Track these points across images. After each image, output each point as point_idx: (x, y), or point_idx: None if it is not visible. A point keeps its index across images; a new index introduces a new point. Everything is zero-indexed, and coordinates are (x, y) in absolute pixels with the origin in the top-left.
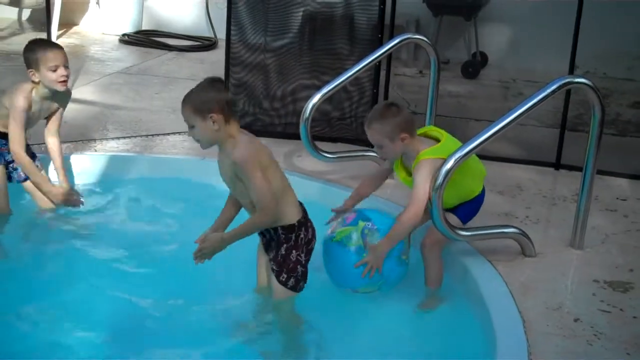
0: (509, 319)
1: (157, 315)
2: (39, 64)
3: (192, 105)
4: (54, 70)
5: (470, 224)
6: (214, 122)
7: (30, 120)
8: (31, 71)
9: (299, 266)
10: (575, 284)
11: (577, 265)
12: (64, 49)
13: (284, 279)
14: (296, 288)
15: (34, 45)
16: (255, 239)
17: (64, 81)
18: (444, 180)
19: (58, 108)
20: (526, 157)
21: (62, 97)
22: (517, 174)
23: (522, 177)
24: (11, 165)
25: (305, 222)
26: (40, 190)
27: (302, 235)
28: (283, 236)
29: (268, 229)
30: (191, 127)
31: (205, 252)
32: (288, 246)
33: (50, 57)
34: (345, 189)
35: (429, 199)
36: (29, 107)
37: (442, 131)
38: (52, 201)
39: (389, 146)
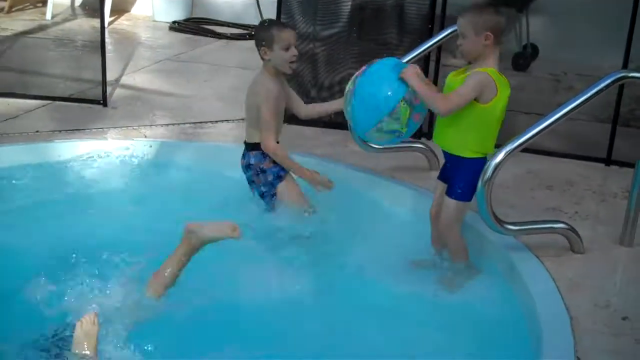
0: (555, 315)
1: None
2: (272, 42)
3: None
4: (287, 49)
5: (518, 218)
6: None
7: (278, 108)
8: (263, 49)
9: None
10: (625, 282)
11: (626, 263)
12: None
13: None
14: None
15: (269, 25)
16: None
17: (294, 62)
18: (492, 173)
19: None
20: (576, 152)
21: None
22: (566, 168)
23: (572, 172)
24: (253, 181)
25: None
26: (304, 177)
27: None
28: None
29: None
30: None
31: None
32: None
33: (284, 37)
34: (392, 180)
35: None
36: (278, 91)
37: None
38: (313, 185)
39: (471, 39)
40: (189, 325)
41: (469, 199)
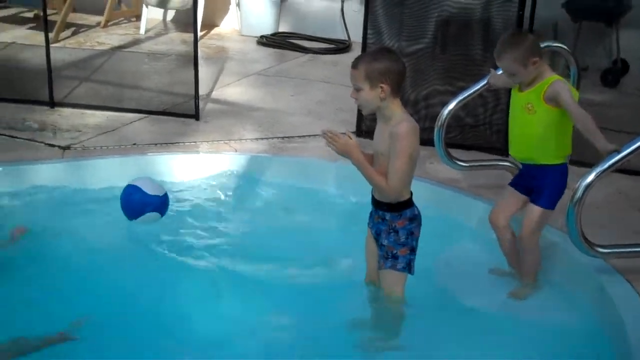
0: None
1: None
2: None
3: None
4: None
5: (608, 240)
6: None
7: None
8: None
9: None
10: None
11: None
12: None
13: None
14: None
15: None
16: None
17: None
18: (583, 194)
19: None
20: None
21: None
22: None
23: None
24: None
25: None
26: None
27: None
28: None
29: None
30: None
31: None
32: None
33: None
34: (478, 198)
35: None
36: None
37: None
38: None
39: (522, 72)
40: None
41: (554, 207)
